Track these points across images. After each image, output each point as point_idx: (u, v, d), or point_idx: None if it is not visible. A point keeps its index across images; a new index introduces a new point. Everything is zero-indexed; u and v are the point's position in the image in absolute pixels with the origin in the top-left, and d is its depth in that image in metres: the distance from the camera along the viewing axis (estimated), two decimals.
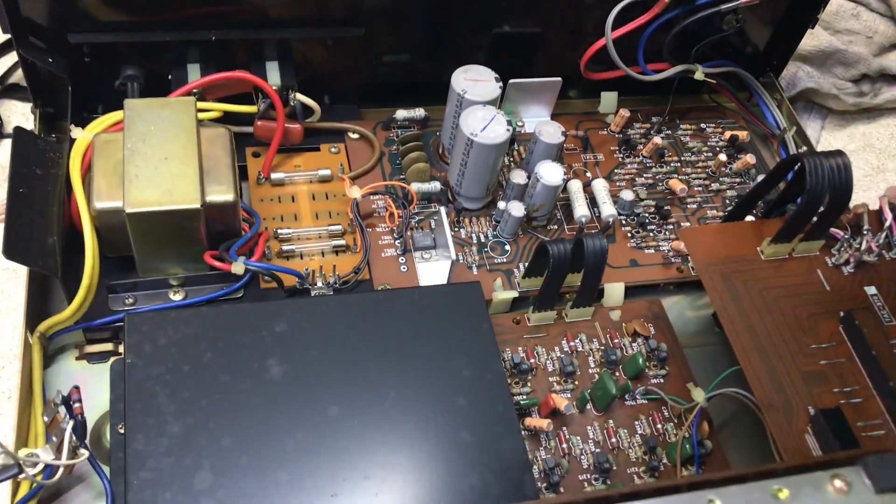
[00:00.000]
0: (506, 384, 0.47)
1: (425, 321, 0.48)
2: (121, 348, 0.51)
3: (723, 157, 0.65)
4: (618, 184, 0.64)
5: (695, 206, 0.63)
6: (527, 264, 0.57)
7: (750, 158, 0.65)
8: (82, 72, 0.56)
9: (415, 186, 0.58)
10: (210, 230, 0.50)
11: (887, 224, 0.54)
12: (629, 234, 0.61)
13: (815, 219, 0.51)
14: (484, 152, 0.55)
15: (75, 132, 0.53)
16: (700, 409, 0.49)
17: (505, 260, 0.58)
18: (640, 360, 0.51)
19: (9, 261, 0.45)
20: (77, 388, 0.43)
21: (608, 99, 0.68)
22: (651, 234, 0.61)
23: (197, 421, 0.43)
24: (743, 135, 0.68)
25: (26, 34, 0.54)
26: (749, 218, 0.57)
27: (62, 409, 0.42)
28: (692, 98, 0.71)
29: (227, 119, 0.57)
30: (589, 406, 0.51)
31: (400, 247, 0.57)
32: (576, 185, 0.61)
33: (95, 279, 0.48)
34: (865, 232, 0.53)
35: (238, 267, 0.49)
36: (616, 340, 0.54)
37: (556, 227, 0.60)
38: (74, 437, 0.41)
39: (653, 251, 0.60)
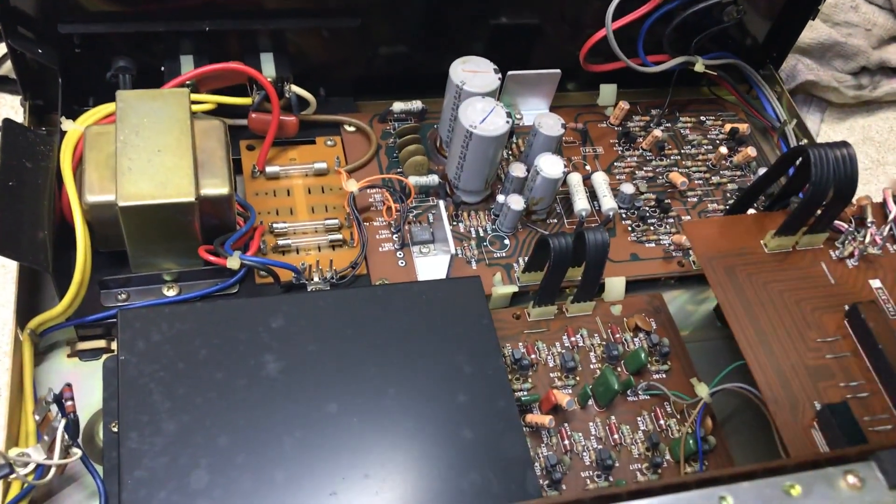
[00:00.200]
0: (507, 380, 0.46)
1: (424, 316, 0.47)
2: (113, 345, 0.50)
3: (723, 149, 0.65)
4: (618, 177, 0.63)
5: (695, 199, 0.63)
6: (526, 258, 0.56)
7: (750, 151, 0.64)
8: (73, 63, 0.55)
9: (412, 180, 0.57)
10: (204, 224, 0.49)
11: (891, 216, 0.54)
12: (630, 228, 0.60)
13: (819, 211, 0.50)
14: (483, 144, 0.54)
15: (66, 124, 0.52)
16: (704, 405, 0.49)
17: (504, 254, 0.57)
18: (643, 356, 0.51)
19: None
20: (69, 385, 0.42)
21: (607, 91, 0.67)
22: (652, 228, 0.60)
23: (192, 419, 0.42)
24: (743, 127, 0.67)
25: (15, 25, 0.53)
26: (751, 211, 0.56)
27: (54, 408, 0.41)
28: (692, 90, 0.71)
29: (220, 111, 0.56)
30: (591, 402, 0.50)
31: (398, 241, 0.56)
32: (575, 179, 0.60)
33: (87, 275, 0.47)
34: (869, 224, 0.53)
35: (233, 262, 0.48)
36: (617, 335, 0.53)
37: (555, 220, 0.60)
38: (66, 436, 0.40)
39: (653, 245, 0.59)
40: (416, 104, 0.62)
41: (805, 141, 0.67)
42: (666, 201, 0.61)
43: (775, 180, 0.54)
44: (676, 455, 0.48)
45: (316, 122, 0.60)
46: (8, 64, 0.62)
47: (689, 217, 0.61)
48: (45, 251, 0.46)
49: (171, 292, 0.51)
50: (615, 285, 0.56)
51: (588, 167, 0.63)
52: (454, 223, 0.58)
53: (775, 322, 0.48)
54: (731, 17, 0.63)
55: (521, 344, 0.52)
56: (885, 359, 0.46)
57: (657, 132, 0.64)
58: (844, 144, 0.49)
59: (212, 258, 0.48)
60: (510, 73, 0.62)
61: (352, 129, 0.61)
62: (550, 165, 0.56)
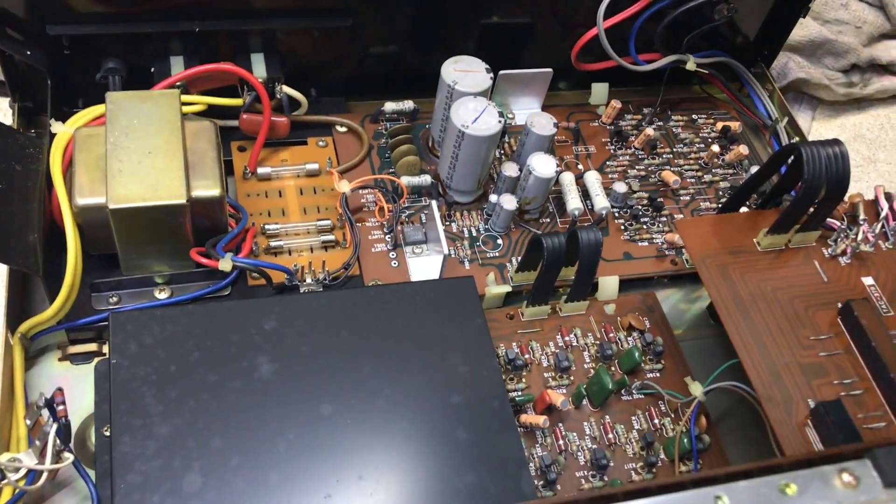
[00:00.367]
0: (501, 380, 0.46)
1: (418, 317, 0.47)
2: (105, 349, 0.49)
3: (715, 147, 0.65)
4: (610, 176, 0.63)
5: (688, 197, 0.63)
6: (519, 258, 0.56)
7: (743, 149, 0.64)
8: (62, 65, 0.55)
9: (405, 180, 0.57)
10: (196, 226, 0.48)
11: (883, 214, 0.54)
12: (622, 227, 0.60)
13: (811, 209, 0.50)
14: (475, 144, 0.54)
15: (55, 126, 0.51)
16: (698, 404, 0.48)
17: (497, 254, 0.57)
18: (637, 355, 0.51)
19: None
20: (60, 389, 0.41)
21: (599, 90, 0.67)
22: (644, 227, 0.60)
23: (185, 422, 0.42)
24: (735, 126, 0.67)
25: (3, 26, 0.52)
26: (744, 209, 0.56)
27: (45, 412, 0.40)
28: (683, 89, 0.71)
29: (211, 112, 0.56)
30: (585, 401, 0.50)
31: (390, 242, 0.56)
32: (568, 178, 0.60)
33: (78, 278, 0.47)
34: (861, 222, 0.53)
35: (225, 263, 0.48)
36: (611, 335, 0.53)
37: (548, 220, 0.60)
38: (58, 441, 0.40)
39: (646, 244, 0.59)
40: (408, 104, 0.62)
41: (797, 139, 0.67)
42: (658, 200, 0.61)
43: (767, 178, 0.54)
44: (671, 454, 0.48)
45: (307, 123, 0.60)
46: None
47: (681, 216, 0.61)
48: (35, 254, 0.46)
49: (162, 295, 0.50)
50: (608, 284, 0.56)
51: (580, 166, 0.63)
52: (447, 223, 0.58)
53: (769, 320, 0.48)
54: (722, 16, 0.63)
55: (514, 344, 0.52)
56: (878, 356, 0.46)
57: (649, 131, 0.64)
58: (836, 142, 0.49)
59: (203, 260, 0.48)
60: (502, 72, 0.62)
61: (343, 129, 0.61)
62: (543, 165, 0.56)
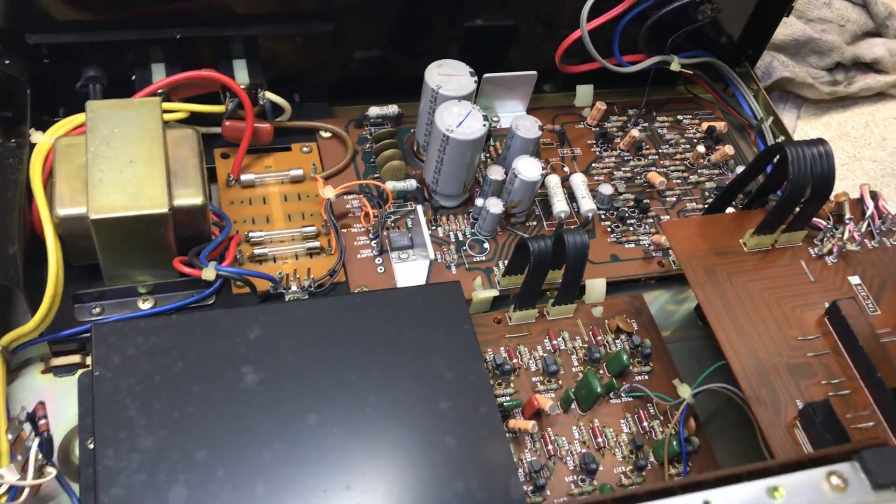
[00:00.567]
0: (489, 386, 0.45)
1: (404, 323, 0.47)
2: (88, 360, 0.49)
3: (701, 148, 0.65)
4: (596, 178, 0.63)
5: (674, 198, 0.63)
6: (506, 262, 0.56)
7: (728, 149, 0.64)
8: (41, 74, 0.54)
9: (390, 185, 0.57)
10: (179, 235, 0.48)
11: (869, 213, 0.54)
12: (609, 229, 0.60)
13: (797, 209, 0.50)
14: (460, 148, 0.54)
15: (35, 136, 0.51)
16: (686, 406, 0.48)
17: (484, 258, 0.57)
18: (625, 357, 0.50)
19: None
20: (42, 403, 0.41)
21: (584, 92, 0.67)
22: (631, 229, 0.60)
23: (170, 434, 0.41)
24: (720, 126, 0.67)
25: None
26: (730, 210, 0.56)
27: (27, 426, 0.40)
28: (668, 90, 0.71)
29: (194, 120, 0.55)
30: (573, 405, 0.50)
31: (376, 247, 0.55)
32: (554, 181, 0.60)
33: (60, 289, 0.46)
34: (847, 221, 0.53)
35: (209, 272, 0.47)
36: (599, 337, 0.53)
37: (534, 223, 0.59)
38: (41, 456, 0.39)
39: (633, 245, 0.59)
40: (392, 108, 0.62)
41: (782, 138, 0.67)
42: (645, 201, 0.61)
43: (753, 178, 0.54)
44: (660, 457, 0.48)
45: (291, 129, 0.60)
46: None
47: (668, 217, 0.61)
48: (15, 266, 0.45)
49: (146, 305, 0.50)
50: (596, 287, 0.55)
51: (566, 168, 0.63)
52: (433, 228, 0.57)
53: (756, 321, 0.48)
54: (706, 16, 0.63)
55: (502, 348, 0.51)
56: (865, 356, 0.46)
57: (634, 132, 0.64)
58: (821, 142, 0.49)
59: (186, 270, 0.48)
60: (486, 75, 0.62)
61: (327, 134, 0.61)
62: (528, 168, 0.55)
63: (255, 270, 0.50)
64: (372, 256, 0.55)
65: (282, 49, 0.59)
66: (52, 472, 0.40)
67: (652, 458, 0.49)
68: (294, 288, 0.51)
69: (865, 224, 0.53)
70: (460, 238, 0.57)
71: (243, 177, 0.56)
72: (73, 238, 0.47)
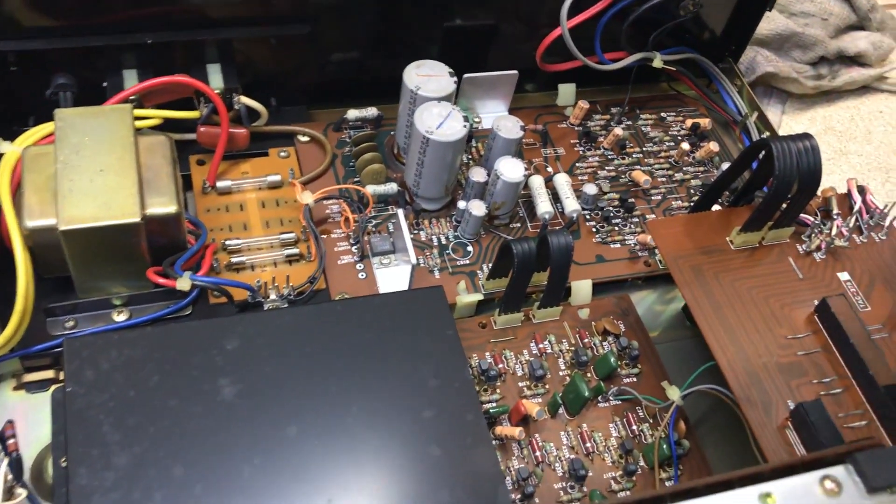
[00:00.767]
0: (474, 392, 0.44)
1: (386, 330, 0.46)
2: (62, 375, 0.47)
3: (685, 145, 0.64)
4: (580, 178, 0.62)
5: (659, 197, 0.62)
6: (490, 265, 0.55)
7: (713, 146, 0.64)
8: (9, 82, 0.53)
9: (370, 189, 0.56)
10: (153, 245, 0.47)
11: (857, 207, 0.53)
12: (594, 229, 0.59)
13: (784, 205, 0.49)
14: (441, 150, 0.53)
15: (3, 146, 0.49)
16: (676, 408, 0.47)
17: (468, 261, 0.56)
18: (612, 360, 0.50)
19: None
20: (11, 422, 0.40)
21: (566, 91, 0.66)
22: (616, 229, 0.59)
23: (145, 450, 0.40)
24: (704, 122, 0.66)
25: None
26: (716, 207, 0.56)
27: None
28: (651, 87, 0.70)
29: (168, 126, 0.54)
30: (561, 410, 0.49)
31: (357, 253, 0.54)
32: (537, 181, 0.59)
33: (30, 303, 0.45)
34: (835, 216, 0.52)
35: (183, 283, 0.46)
36: (586, 340, 0.52)
37: (518, 225, 0.58)
38: (10, 476, 0.38)
39: (619, 245, 0.58)
40: (372, 111, 0.61)
41: (767, 134, 0.67)
42: (630, 200, 0.60)
43: (739, 175, 0.54)
44: (650, 461, 0.47)
45: (268, 134, 0.59)
46: None
47: (653, 216, 0.60)
48: None
49: (121, 317, 0.49)
50: (582, 288, 0.54)
51: (550, 169, 0.62)
52: (415, 232, 0.56)
53: (744, 320, 0.47)
54: (688, 11, 0.63)
55: (487, 354, 0.50)
56: (856, 353, 0.45)
57: (618, 130, 0.63)
58: (807, 136, 0.48)
59: (161, 280, 0.46)
60: (466, 75, 0.61)
61: (306, 139, 0.59)
62: (510, 169, 0.54)
63: (232, 280, 0.49)
64: (353, 262, 0.54)
65: (257, 52, 0.58)
66: (22, 493, 0.38)
67: (642, 463, 0.48)
68: (273, 296, 0.50)
69: (853, 219, 0.53)
70: (443, 242, 0.56)
71: (219, 183, 0.55)
72: (44, 250, 0.46)
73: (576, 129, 0.65)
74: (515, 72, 0.62)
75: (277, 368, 0.43)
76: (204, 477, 0.39)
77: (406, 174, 0.57)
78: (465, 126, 0.53)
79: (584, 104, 0.64)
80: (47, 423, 0.44)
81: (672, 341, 0.55)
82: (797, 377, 0.45)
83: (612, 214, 0.59)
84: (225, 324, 0.45)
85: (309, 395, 0.43)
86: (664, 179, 0.63)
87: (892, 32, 0.83)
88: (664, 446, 0.47)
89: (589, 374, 0.51)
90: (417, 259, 0.54)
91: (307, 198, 0.53)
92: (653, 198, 0.62)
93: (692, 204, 0.58)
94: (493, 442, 0.46)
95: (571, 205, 0.58)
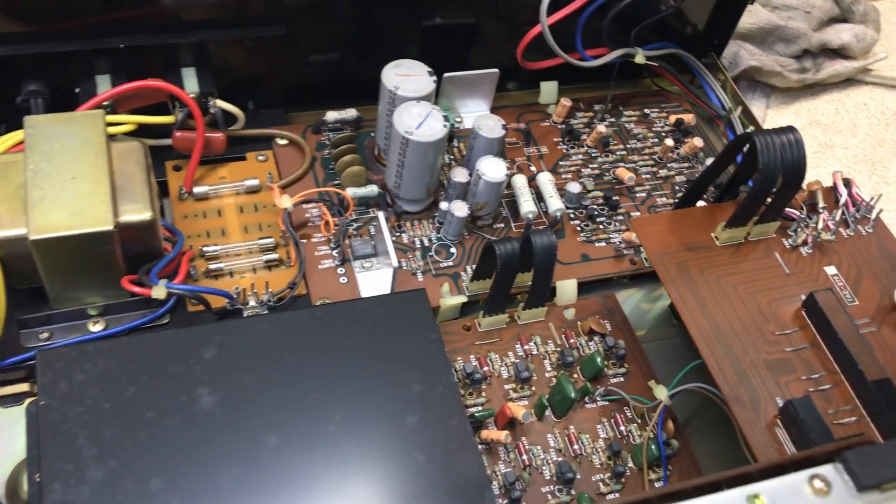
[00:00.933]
0: (458, 397, 0.44)
1: (368, 335, 0.45)
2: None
3: (669, 141, 0.63)
4: (563, 176, 0.61)
5: (644, 194, 0.61)
6: (474, 266, 0.54)
7: (697, 142, 0.63)
8: None
9: (350, 192, 0.55)
10: (127, 253, 0.46)
11: (843, 201, 0.53)
12: (578, 228, 0.58)
13: (769, 199, 0.49)
14: (421, 151, 0.52)
15: None
16: (664, 408, 0.47)
17: (451, 263, 0.55)
18: (598, 360, 0.49)
19: None
20: None
21: (548, 89, 0.65)
22: (601, 227, 0.58)
23: (121, 463, 0.39)
24: (688, 118, 0.66)
25: None
26: (701, 203, 0.55)
27: None
28: (634, 83, 0.69)
29: (143, 132, 0.53)
30: (548, 412, 0.48)
31: (338, 257, 0.53)
32: (520, 181, 0.58)
33: (2, 315, 0.44)
34: (821, 210, 0.52)
35: (159, 291, 0.45)
36: (572, 340, 0.51)
37: (502, 225, 0.58)
38: None
39: (604, 244, 0.57)
40: (351, 112, 0.60)
41: (751, 128, 0.66)
42: (614, 198, 0.59)
43: (723, 170, 0.53)
44: (639, 462, 0.47)
45: (246, 137, 0.58)
46: None
47: (638, 213, 0.60)
48: None
49: (97, 327, 0.48)
50: (567, 288, 0.54)
51: (533, 168, 0.61)
52: (397, 234, 0.55)
53: (731, 317, 0.46)
54: (669, 6, 0.62)
55: (472, 356, 0.50)
56: (844, 348, 0.44)
57: (601, 128, 0.62)
58: (791, 129, 0.48)
59: (136, 289, 0.46)
60: (446, 74, 0.60)
61: (284, 142, 0.59)
62: (492, 168, 0.54)
63: (210, 287, 0.48)
64: (334, 266, 0.53)
65: (233, 55, 0.57)
66: None
67: (631, 464, 0.47)
68: (252, 303, 0.49)
69: (840, 212, 0.52)
70: (426, 244, 0.55)
71: (196, 189, 0.54)
72: (15, 261, 0.44)
73: (559, 127, 0.64)
74: (496, 70, 0.61)
75: (257, 377, 0.42)
76: (182, 489, 0.38)
77: (387, 176, 0.56)
78: (445, 126, 0.52)
79: (566, 102, 0.64)
80: (23, 437, 0.43)
81: (659, 340, 0.55)
82: (785, 374, 0.45)
83: (596, 213, 0.59)
84: (202, 332, 0.44)
85: (289, 403, 0.42)
86: (648, 176, 0.62)
87: (875, 24, 0.83)
88: (653, 447, 0.46)
89: (575, 375, 0.50)
90: (400, 262, 0.53)
91: (286, 202, 0.52)
92: (637, 195, 0.61)
93: (677, 200, 0.58)
94: (479, 446, 0.46)
95: (555, 204, 0.57)
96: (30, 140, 0.46)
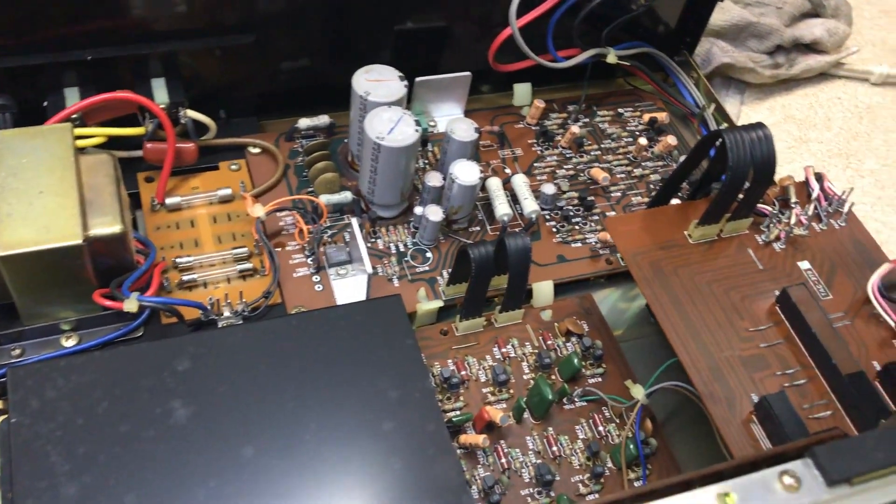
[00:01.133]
0: (435, 402, 0.43)
1: (343, 342, 0.45)
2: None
3: (643, 140, 0.63)
4: (538, 178, 0.61)
5: (619, 193, 0.61)
6: (450, 270, 0.54)
7: (671, 140, 0.63)
8: None
9: (324, 198, 0.55)
10: (99, 266, 0.45)
11: (815, 195, 0.53)
12: (554, 229, 0.58)
13: (741, 196, 0.49)
14: (393, 156, 0.52)
15: None
16: (641, 407, 0.47)
17: (427, 268, 0.55)
18: (576, 361, 0.49)
19: None
20: None
21: (521, 91, 0.65)
22: (577, 227, 0.58)
23: (95, 479, 0.39)
24: (662, 116, 0.66)
25: None
26: (675, 201, 0.55)
27: None
28: (608, 83, 0.69)
29: (113, 144, 0.53)
30: (526, 415, 0.48)
31: (313, 265, 0.53)
32: (495, 183, 0.58)
33: None
34: (793, 205, 0.52)
35: (131, 304, 0.45)
36: (550, 342, 0.51)
37: (478, 228, 0.57)
38: None
39: (580, 244, 0.57)
40: (324, 119, 0.60)
41: (725, 125, 0.66)
42: (589, 198, 0.59)
43: (693, 168, 0.53)
44: (618, 462, 0.47)
45: (218, 147, 0.57)
46: None
47: (613, 213, 0.60)
48: None
49: (70, 342, 0.47)
50: (543, 290, 0.54)
51: (508, 170, 0.61)
52: (372, 240, 0.55)
53: (705, 315, 0.46)
54: (640, 5, 0.62)
55: (450, 361, 0.49)
56: (818, 342, 0.45)
57: (575, 128, 0.62)
58: (760, 126, 0.48)
59: (107, 303, 0.45)
60: (418, 79, 0.60)
61: (257, 150, 0.58)
62: (465, 172, 0.54)
63: (182, 298, 0.48)
64: (309, 274, 0.53)
65: (203, 64, 0.56)
66: None
67: (610, 464, 0.47)
68: (227, 313, 0.49)
69: (812, 207, 0.52)
70: (401, 249, 0.55)
71: (169, 200, 0.54)
72: None
73: (533, 128, 0.64)
74: (468, 73, 0.61)
75: (231, 387, 0.42)
76: (157, 503, 0.38)
77: (360, 182, 0.56)
78: (416, 130, 0.52)
79: (539, 103, 0.64)
80: None
81: (637, 339, 0.55)
82: (760, 370, 0.45)
83: (571, 213, 0.59)
84: (175, 344, 0.43)
85: (265, 413, 0.42)
86: (623, 175, 0.62)
87: (847, 18, 0.83)
88: (631, 446, 0.46)
89: (553, 377, 0.50)
90: (375, 268, 0.53)
91: (258, 211, 0.52)
92: (612, 195, 0.61)
93: (650, 199, 0.58)
94: (458, 451, 0.46)
95: (530, 205, 0.57)
96: None
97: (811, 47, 0.81)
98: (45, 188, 0.44)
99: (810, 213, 0.52)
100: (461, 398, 0.48)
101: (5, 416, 0.45)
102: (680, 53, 0.71)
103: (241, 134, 0.58)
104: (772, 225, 0.51)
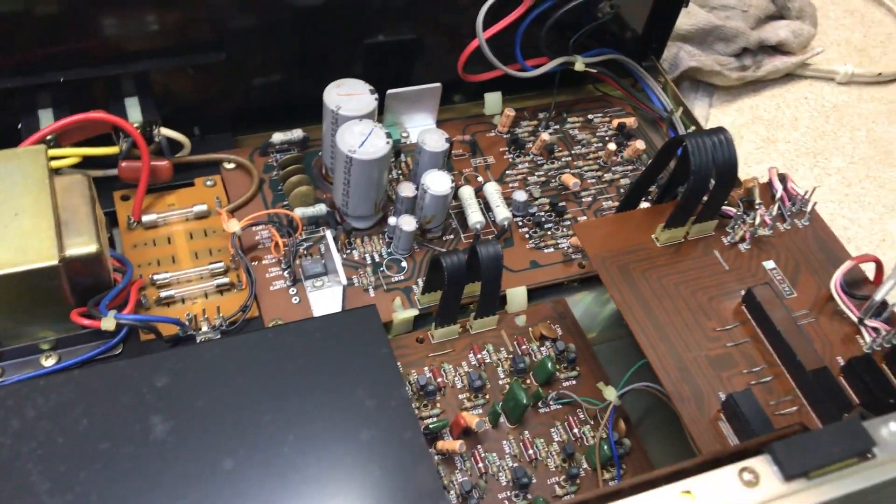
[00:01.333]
0: (411, 409, 0.44)
1: (320, 354, 0.46)
2: None
3: (612, 146, 0.64)
4: (511, 185, 0.62)
5: (590, 199, 0.62)
6: (424, 279, 0.55)
7: (639, 144, 0.64)
8: None
9: (299, 212, 0.56)
10: (76, 286, 0.46)
11: (778, 195, 0.54)
12: (527, 236, 0.59)
13: (705, 199, 0.50)
14: (365, 168, 0.53)
15: None
16: (613, 408, 0.48)
17: (403, 277, 0.56)
18: (549, 365, 0.50)
19: None
20: None
21: (492, 100, 0.66)
22: (549, 233, 0.59)
23: (76, 497, 0.39)
24: (630, 121, 0.67)
25: None
26: (645, 205, 0.56)
27: None
28: (577, 90, 0.71)
29: (88, 164, 0.53)
30: (502, 419, 0.49)
31: (289, 278, 0.54)
32: (467, 192, 0.59)
33: None
34: (758, 206, 0.53)
35: (108, 322, 0.45)
36: (524, 347, 0.52)
37: (451, 236, 0.58)
38: None
39: (552, 250, 0.59)
40: (297, 133, 0.61)
41: (693, 128, 0.68)
42: (560, 204, 0.60)
43: (658, 173, 0.54)
44: (593, 463, 0.48)
45: (193, 163, 0.58)
46: None
47: (584, 217, 0.61)
48: None
49: (49, 361, 0.48)
50: (517, 295, 0.55)
51: (480, 178, 0.62)
52: (348, 251, 0.56)
53: (673, 316, 0.47)
54: (605, 13, 0.63)
55: (426, 368, 0.50)
56: (783, 340, 0.46)
57: (545, 136, 0.63)
58: (721, 130, 0.49)
59: (85, 322, 0.46)
60: (389, 91, 0.61)
61: (231, 165, 0.59)
62: (437, 182, 0.55)
63: (159, 315, 0.49)
64: (286, 287, 0.53)
65: (175, 82, 0.57)
66: None
67: (585, 465, 0.48)
68: (205, 328, 0.49)
69: (776, 207, 0.54)
70: (377, 259, 0.56)
71: (145, 218, 0.55)
72: None
73: (504, 137, 0.65)
74: (438, 84, 0.62)
75: (210, 402, 0.43)
76: None
77: (335, 194, 0.57)
78: (388, 143, 0.53)
79: (510, 112, 0.65)
80: None
81: (611, 341, 0.56)
82: (727, 369, 0.46)
83: (543, 219, 0.60)
84: (153, 360, 0.44)
85: (243, 426, 0.42)
86: (594, 181, 0.63)
87: (812, 19, 0.85)
88: (605, 447, 0.47)
89: (529, 381, 0.51)
90: (350, 279, 0.54)
91: (234, 226, 0.52)
92: (583, 200, 0.62)
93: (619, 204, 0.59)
94: (436, 457, 0.47)
95: (502, 213, 0.58)
96: None
97: (777, 49, 0.82)
98: (21, 210, 0.45)
99: (774, 213, 0.53)
100: (438, 405, 0.49)
101: None
102: (647, 59, 0.72)
103: (215, 150, 0.59)
104: (737, 226, 0.52)
